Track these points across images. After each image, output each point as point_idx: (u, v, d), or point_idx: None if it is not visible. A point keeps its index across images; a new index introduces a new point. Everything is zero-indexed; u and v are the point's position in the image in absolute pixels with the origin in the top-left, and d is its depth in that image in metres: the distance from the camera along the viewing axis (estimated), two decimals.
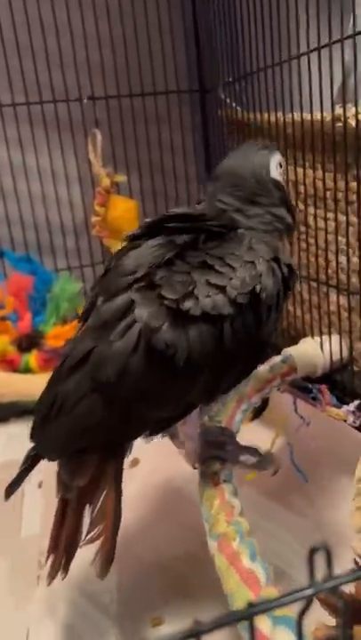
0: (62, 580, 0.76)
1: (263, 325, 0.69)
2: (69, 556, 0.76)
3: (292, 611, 0.32)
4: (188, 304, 0.65)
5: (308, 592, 0.31)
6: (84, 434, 0.71)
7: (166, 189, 1.71)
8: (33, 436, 0.75)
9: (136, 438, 0.74)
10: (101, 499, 0.75)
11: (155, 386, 0.68)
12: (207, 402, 0.75)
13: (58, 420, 0.70)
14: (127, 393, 0.68)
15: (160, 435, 0.77)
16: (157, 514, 1.04)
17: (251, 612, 0.29)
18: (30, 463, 0.77)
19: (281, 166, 0.80)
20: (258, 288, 0.67)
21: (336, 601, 0.30)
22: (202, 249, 0.70)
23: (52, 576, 0.76)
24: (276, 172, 0.79)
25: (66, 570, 0.76)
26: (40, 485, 1.15)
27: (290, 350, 1.15)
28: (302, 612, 0.31)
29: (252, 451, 0.83)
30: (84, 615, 0.84)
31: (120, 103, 1.63)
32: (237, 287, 0.66)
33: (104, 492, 0.75)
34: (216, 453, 0.82)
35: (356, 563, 0.64)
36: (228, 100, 1.41)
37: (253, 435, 0.99)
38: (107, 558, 0.74)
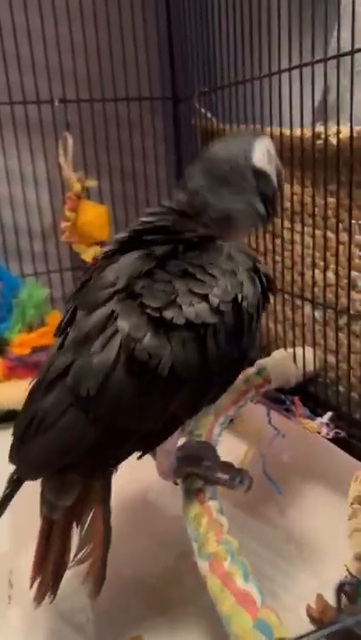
0: (50, 602, 0.73)
1: (245, 335, 0.69)
2: (57, 577, 0.73)
3: None
4: (170, 313, 0.64)
5: (336, 626, 0.31)
6: (66, 452, 0.68)
7: (137, 195, 1.70)
8: (11, 458, 0.71)
9: (125, 458, 0.72)
10: (89, 518, 0.73)
11: (137, 398, 0.66)
12: (191, 414, 0.73)
13: (37, 438, 0.67)
14: (109, 406, 0.65)
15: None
16: (131, 528, 1.02)
17: None
18: (14, 486, 0.73)
19: (269, 153, 0.75)
20: (240, 297, 0.67)
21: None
22: (182, 258, 0.69)
23: (39, 600, 0.73)
24: (261, 159, 0.74)
25: (54, 592, 0.73)
26: None
27: (264, 362, 1.16)
28: None
29: (228, 468, 0.82)
30: (59, 636, 0.81)
31: (92, 107, 1.60)
32: (220, 295, 0.66)
33: (92, 511, 0.73)
34: (191, 470, 0.81)
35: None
36: (203, 110, 1.41)
37: (227, 445, 0.98)
38: (98, 578, 0.72)
